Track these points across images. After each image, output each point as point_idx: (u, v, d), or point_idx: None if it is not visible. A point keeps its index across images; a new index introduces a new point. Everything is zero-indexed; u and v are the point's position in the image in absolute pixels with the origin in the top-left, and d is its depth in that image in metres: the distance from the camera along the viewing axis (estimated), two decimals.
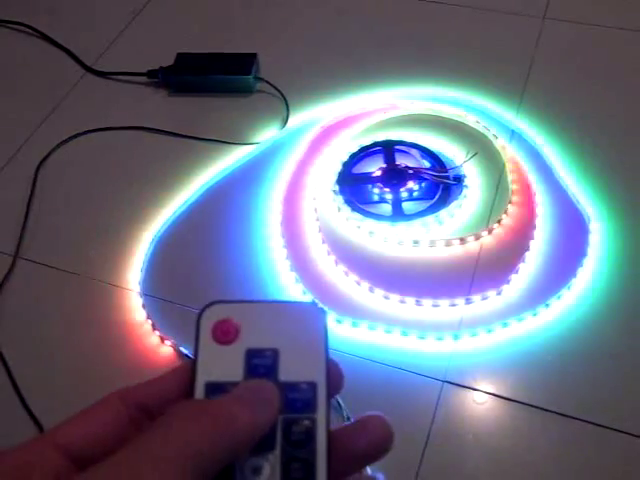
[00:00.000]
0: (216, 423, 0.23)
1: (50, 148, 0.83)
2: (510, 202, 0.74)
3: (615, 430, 0.59)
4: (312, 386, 0.27)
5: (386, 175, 0.77)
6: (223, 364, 0.27)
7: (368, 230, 0.73)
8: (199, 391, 0.26)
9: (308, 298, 0.68)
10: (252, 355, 0.27)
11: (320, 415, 0.26)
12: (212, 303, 0.28)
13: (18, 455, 0.23)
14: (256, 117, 0.85)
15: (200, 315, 0.28)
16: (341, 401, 0.60)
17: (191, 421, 0.23)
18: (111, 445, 0.24)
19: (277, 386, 0.26)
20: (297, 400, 0.26)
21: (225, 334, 0.27)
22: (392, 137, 0.81)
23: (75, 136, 0.84)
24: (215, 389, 0.26)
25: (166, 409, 0.24)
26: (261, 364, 0.27)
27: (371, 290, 0.69)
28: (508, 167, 0.77)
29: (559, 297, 0.67)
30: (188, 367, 0.27)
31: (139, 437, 0.22)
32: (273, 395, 0.26)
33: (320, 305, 0.29)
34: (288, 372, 0.27)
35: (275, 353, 0.27)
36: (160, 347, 0.66)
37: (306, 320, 0.28)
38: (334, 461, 0.26)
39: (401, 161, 0.79)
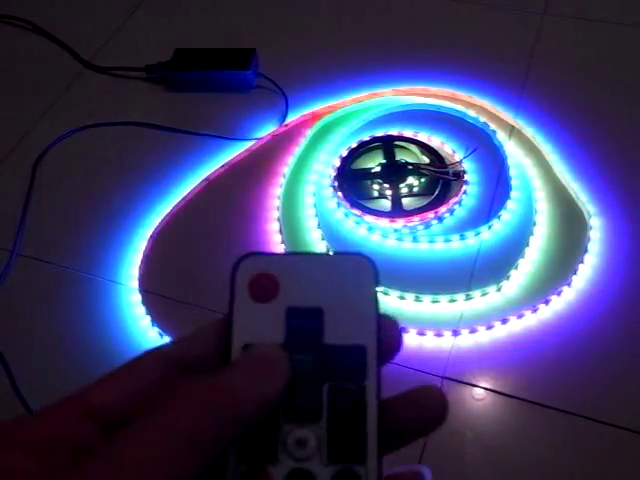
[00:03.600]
0: (214, 400, 0.22)
1: (48, 144, 0.83)
2: (510, 198, 0.74)
3: (615, 426, 0.58)
4: (361, 350, 0.24)
5: (385, 171, 0.77)
6: (262, 324, 0.24)
7: (367, 226, 0.73)
8: (236, 354, 0.24)
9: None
10: (293, 314, 0.24)
11: (371, 382, 0.24)
12: (248, 254, 0.25)
13: (41, 423, 0.22)
14: (255, 113, 0.85)
15: (235, 268, 0.25)
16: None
17: (188, 401, 0.22)
18: (141, 408, 0.22)
19: (322, 349, 0.24)
20: (344, 366, 0.24)
21: (263, 290, 0.25)
22: (392, 133, 0.81)
23: (73, 132, 0.84)
24: None
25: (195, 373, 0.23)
26: (304, 325, 0.24)
27: None
28: (508, 163, 0.77)
29: (559, 293, 0.66)
30: (224, 324, 0.25)
31: (136, 422, 0.21)
32: (280, 361, 0.23)
33: (370, 258, 0.25)
34: (334, 334, 0.24)
35: (319, 312, 0.24)
36: (159, 343, 0.66)
37: (354, 274, 0.25)
38: (385, 432, 0.23)
39: (400, 157, 0.78)
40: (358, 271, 0.25)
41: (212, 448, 0.21)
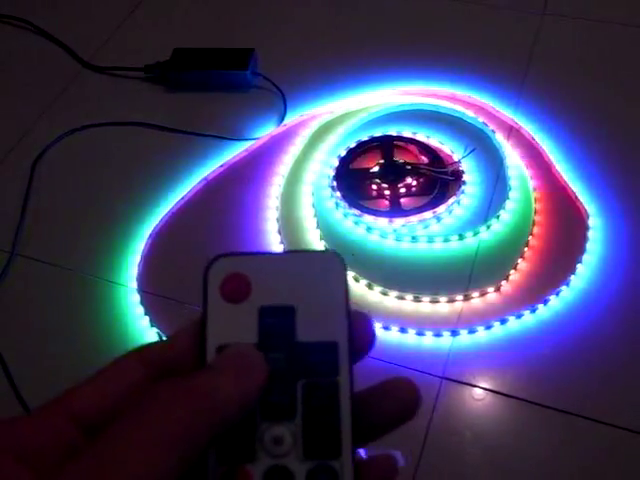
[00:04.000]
0: (196, 401, 0.22)
1: (47, 144, 0.83)
2: (508, 198, 0.74)
3: (613, 426, 0.59)
4: (333, 346, 0.24)
5: (384, 171, 0.77)
6: (235, 324, 0.24)
7: (366, 226, 0.73)
8: (211, 355, 0.24)
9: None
10: (266, 313, 0.25)
11: (343, 378, 0.24)
12: (219, 256, 0.26)
13: (29, 427, 0.22)
14: (254, 112, 0.85)
15: (207, 270, 0.25)
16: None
17: (170, 403, 0.22)
18: (123, 409, 0.23)
19: (295, 347, 0.24)
20: (317, 363, 0.24)
21: (235, 291, 0.25)
22: (390, 132, 0.81)
23: (72, 132, 0.84)
24: None
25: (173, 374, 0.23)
26: (276, 323, 0.24)
27: (369, 286, 0.68)
28: (506, 163, 0.77)
29: (558, 293, 0.66)
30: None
31: (118, 424, 0.22)
32: (257, 360, 0.24)
33: (339, 254, 0.25)
34: (306, 332, 0.24)
35: (291, 310, 0.25)
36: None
37: (324, 272, 0.25)
38: (358, 426, 0.24)
39: (399, 157, 0.78)
40: (328, 268, 0.25)
41: (195, 447, 0.22)
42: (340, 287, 0.25)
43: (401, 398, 0.25)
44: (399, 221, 0.73)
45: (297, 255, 0.27)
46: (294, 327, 0.24)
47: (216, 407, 0.22)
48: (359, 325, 0.25)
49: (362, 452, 0.25)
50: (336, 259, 0.25)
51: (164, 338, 0.66)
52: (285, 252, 0.26)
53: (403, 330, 0.65)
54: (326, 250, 0.23)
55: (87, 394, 0.24)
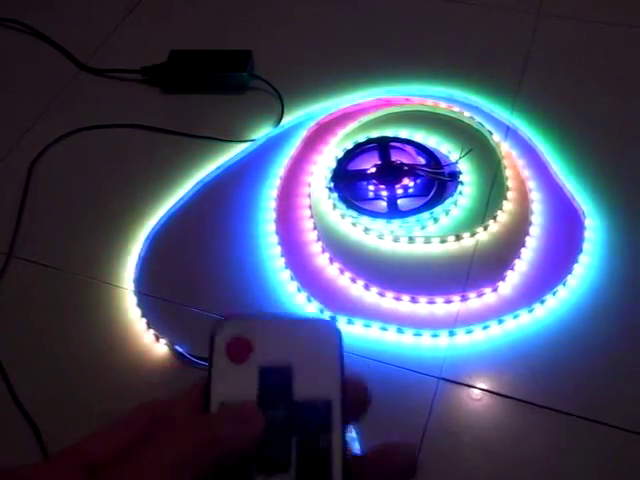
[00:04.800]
0: (198, 435, 0.25)
1: (43, 146, 0.83)
2: (505, 198, 0.74)
3: (611, 426, 0.59)
4: (327, 404, 0.26)
5: (381, 172, 0.77)
6: (237, 383, 0.27)
7: (363, 227, 0.73)
8: (214, 410, 0.26)
9: (317, 310, 0.68)
10: (266, 373, 0.27)
11: (335, 434, 0.26)
12: (224, 319, 0.28)
13: (46, 474, 0.25)
14: (251, 114, 0.85)
15: (213, 333, 0.28)
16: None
17: (173, 436, 0.25)
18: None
19: (291, 405, 0.26)
20: (312, 419, 0.26)
21: (239, 352, 0.27)
22: (387, 134, 0.81)
23: (69, 134, 0.84)
24: None
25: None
26: (275, 382, 0.27)
27: (366, 287, 0.68)
28: (503, 164, 0.77)
29: (554, 293, 0.67)
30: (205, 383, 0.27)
31: (125, 456, 0.24)
32: (255, 413, 0.26)
33: (335, 322, 0.28)
34: (302, 390, 0.26)
35: (289, 371, 0.27)
36: (155, 345, 0.66)
37: (319, 336, 0.27)
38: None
39: (396, 158, 0.78)
40: (324, 333, 0.28)
41: (195, 475, 0.24)
42: (334, 350, 0.27)
43: (398, 464, 0.26)
44: (396, 222, 0.73)
45: (296, 320, 0.29)
46: (291, 386, 0.26)
47: (215, 442, 0.24)
48: (355, 389, 0.27)
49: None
50: (331, 325, 0.28)
51: (161, 339, 0.66)
52: (285, 315, 0.28)
53: (400, 331, 0.65)
54: (323, 317, 0.27)
55: (96, 444, 0.26)
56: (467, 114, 0.82)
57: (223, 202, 0.77)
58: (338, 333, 0.27)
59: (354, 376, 0.27)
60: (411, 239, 0.72)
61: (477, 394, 0.61)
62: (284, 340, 0.27)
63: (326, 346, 0.27)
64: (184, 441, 0.24)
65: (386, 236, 0.72)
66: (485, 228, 0.72)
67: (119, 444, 0.26)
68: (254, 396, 0.26)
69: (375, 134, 0.81)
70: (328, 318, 0.28)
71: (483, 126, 0.80)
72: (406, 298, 0.67)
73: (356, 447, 0.27)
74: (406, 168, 0.77)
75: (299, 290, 0.69)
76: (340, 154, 0.79)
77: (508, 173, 0.76)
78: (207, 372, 0.27)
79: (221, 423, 0.25)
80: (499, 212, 0.73)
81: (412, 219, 0.73)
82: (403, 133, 0.80)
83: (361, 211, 0.74)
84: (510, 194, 0.75)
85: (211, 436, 0.25)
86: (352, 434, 0.28)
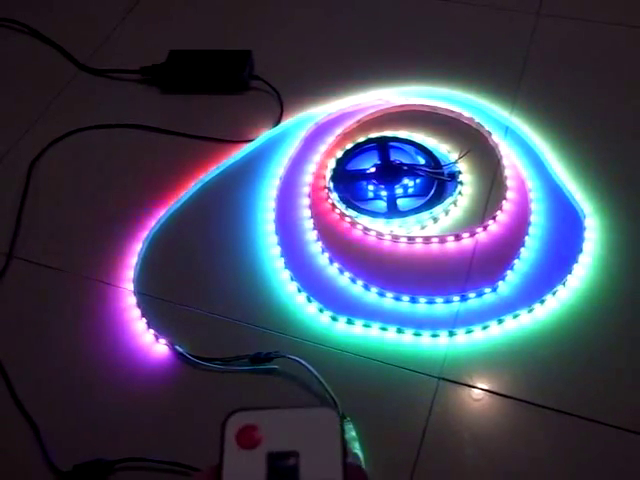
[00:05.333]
0: None
1: (43, 146, 0.83)
2: (505, 198, 0.74)
3: (611, 426, 0.59)
4: None
5: (381, 172, 0.77)
6: (247, 468, 0.29)
7: (363, 227, 0.73)
8: None
9: (314, 310, 0.68)
10: (274, 458, 0.29)
11: None
12: (235, 411, 0.30)
13: None
14: (250, 114, 0.85)
15: (225, 422, 0.29)
16: (337, 399, 0.59)
17: None
18: None
19: None
20: None
21: (249, 439, 0.29)
22: (387, 134, 0.81)
23: (68, 134, 0.84)
24: None
25: None
26: (283, 466, 0.28)
27: (366, 287, 0.68)
28: (503, 163, 0.77)
29: (554, 293, 0.67)
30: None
31: None
32: None
33: (334, 409, 0.31)
34: (308, 472, 0.28)
35: (296, 456, 0.29)
36: (154, 345, 0.66)
37: (322, 423, 0.30)
38: None
39: (396, 158, 0.78)
40: (326, 421, 0.30)
41: None
42: (336, 436, 0.29)
43: None
44: (396, 222, 0.73)
45: (300, 410, 0.31)
46: (298, 470, 0.28)
47: None
48: (353, 472, 0.29)
49: None
50: (332, 413, 0.30)
51: (161, 339, 0.66)
52: (290, 406, 0.30)
53: (400, 331, 0.65)
54: (325, 406, 0.28)
55: None
56: (466, 114, 0.82)
57: (223, 202, 0.77)
58: (338, 420, 0.30)
59: (353, 462, 0.29)
60: (411, 239, 0.72)
61: (477, 394, 0.61)
62: (290, 427, 0.29)
63: (328, 432, 0.29)
64: None
65: (386, 236, 0.72)
66: (485, 228, 0.72)
67: None
68: (263, 479, 0.28)
69: (375, 134, 0.81)
70: (330, 407, 0.30)
71: (482, 126, 0.80)
72: (406, 298, 0.67)
73: (356, 446, 0.28)
74: (405, 168, 0.77)
75: (299, 290, 0.69)
76: (340, 154, 0.79)
77: (507, 173, 0.76)
78: (219, 459, 0.29)
79: None
80: (498, 212, 0.73)
81: (412, 219, 0.73)
82: (402, 133, 0.80)
83: (361, 211, 0.74)
84: (509, 194, 0.75)
85: None
86: (352, 433, 0.29)
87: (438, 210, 0.73)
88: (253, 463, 0.29)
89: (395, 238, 0.72)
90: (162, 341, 0.66)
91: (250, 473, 0.29)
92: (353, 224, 0.73)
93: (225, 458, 0.29)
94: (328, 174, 0.77)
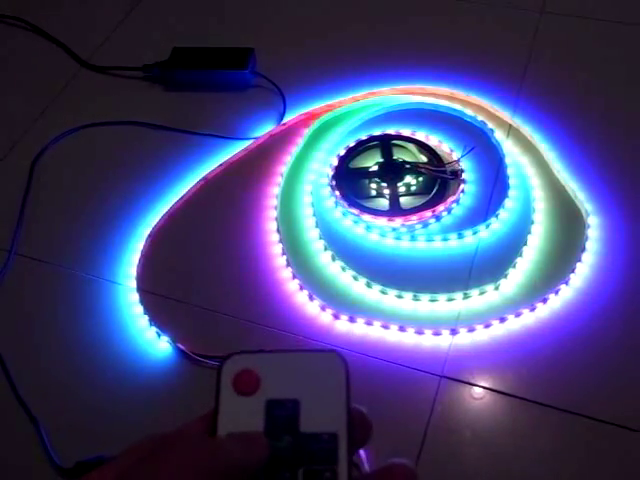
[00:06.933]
0: (213, 452, 0.26)
1: (46, 143, 0.83)
2: (508, 197, 0.74)
3: (613, 424, 0.58)
4: (333, 437, 0.26)
5: (383, 170, 0.77)
6: (244, 415, 0.27)
7: (365, 225, 0.73)
8: None
9: (316, 308, 0.68)
10: (273, 406, 0.27)
11: (341, 467, 0.26)
12: (232, 354, 0.28)
13: None
14: (253, 112, 0.85)
15: (221, 366, 0.28)
16: None
17: (176, 455, 0.26)
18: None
19: (298, 437, 0.26)
20: (318, 451, 0.26)
21: (246, 385, 0.27)
22: (389, 131, 0.81)
23: (70, 131, 0.84)
24: None
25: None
26: (282, 415, 0.27)
27: (368, 285, 0.68)
28: (506, 162, 0.77)
29: (557, 292, 0.66)
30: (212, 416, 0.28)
31: (154, 456, 0.26)
32: (260, 438, 0.26)
33: (341, 354, 0.28)
34: (309, 423, 0.27)
35: (296, 404, 0.27)
36: (157, 343, 0.66)
37: (327, 369, 0.28)
38: None
39: (398, 156, 0.78)
40: (330, 366, 0.28)
41: None
42: (341, 383, 0.28)
43: None
44: (398, 220, 0.73)
45: (303, 354, 0.29)
46: (298, 418, 0.27)
47: (225, 463, 0.25)
48: (358, 420, 0.27)
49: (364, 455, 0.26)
50: (337, 358, 0.28)
51: (163, 337, 0.66)
52: (292, 350, 0.28)
53: (402, 329, 0.65)
54: (330, 351, 0.26)
55: (104, 473, 0.26)
56: (469, 112, 0.81)
57: (225, 199, 0.77)
58: (345, 366, 0.28)
59: (355, 406, 0.28)
60: (413, 237, 0.72)
61: (479, 392, 0.61)
62: (291, 373, 0.28)
63: (333, 379, 0.28)
64: (199, 450, 0.25)
65: (388, 234, 0.72)
66: (487, 226, 0.72)
67: (124, 470, 0.26)
68: (261, 428, 0.27)
69: (377, 132, 0.81)
70: (336, 351, 0.28)
71: (485, 124, 0.80)
72: (408, 296, 0.67)
73: (365, 468, 0.27)
74: (408, 166, 0.77)
75: (301, 288, 0.69)
76: (342, 152, 0.79)
77: (510, 171, 0.76)
78: (214, 405, 0.27)
79: (230, 441, 0.26)
80: (501, 210, 0.73)
81: (414, 217, 0.73)
82: (405, 131, 0.80)
83: (363, 209, 0.74)
84: (512, 192, 0.74)
85: (222, 449, 0.26)
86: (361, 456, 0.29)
87: (441, 208, 0.73)
88: (251, 410, 0.27)
89: (397, 236, 0.72)
90: (164, 338, 0.66)
91: (247, 421, 0.27)
92: (355, 222, 0.73)
93: (221, 405, 0.27)
94: (331, 172, 0.77)
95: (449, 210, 0.74)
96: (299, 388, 0.27)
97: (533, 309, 0.66)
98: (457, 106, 0.82)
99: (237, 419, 0.27)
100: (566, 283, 0.67)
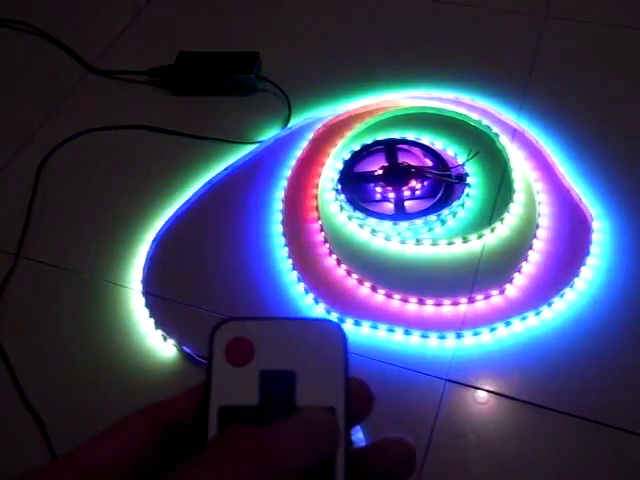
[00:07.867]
0: (268, 456, 0.23)
1: (52, 147, 0.83)
2: (512, 201, 0.74)
3: (618, 429, 0.58)
4: (330, 411, 0.25)
5: (388, 174, 0.77)
6: (237, 387, 0.25)
7: (370, 229, 0.73)
8: (213, 415, 0.25)
9: (324, 311, 0.68)
10: (267, 377, 0.26)
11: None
12: (225, 320, 0.26)
13: None
14: (258, 116, 0.85)
15: (213, 333, 0.26)
16: None
17: (236, 454, 0.23)
18: (130, 465, 0.24)
19: (294, 411, 0.25)
20: None
21: (239, 354, 0.26)
22: (394, 136, 0.81)
23: (76, 135, 0.84)
24: (229, 413, 0.25)
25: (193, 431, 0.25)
26: (277, 387, 0.25)
27: (374, 289, 0.68)
28: (510, 166, 0.77)
29: (562, 296, 0.66)
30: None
31: (187, 468, 0.23)
32: (333, 430, 0.25)
33: (340, 324, 0.28)
34: (305, 396, 0.25)
35: (291, 375, 0.26)
36: (162, 346, 0.66)
37: (324, 339, 0.26)
38: None
39: (403, 160, 0.79)
40: (328, 336, 0.26)
41: None
42: (339, 354, 0.26)
43: (395, 457, 0.26)
44: (403, 224, 0.73)
45: (300, 322, 0.27)
46: (294, 391, 0.25)
47: (282, 469, 0.23)
48: (357, 393, 0.26)
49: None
50: (336, 328, 0.26)
51: (169, 340, 0.66)
52: (288, 317, 0.27)
53: (407, 333, 0.65)
54: (327, 319, 0.24)
55: (91, 453, 0.25)
56: (474, 116, 0.82)
57: (231, 203, 0.77)
58: (343, 336, 0.26)
59: (355, 378, 0.26)
60: (418, 241, 0.72)
61: (484, 396, 0.61)
62: (286, 342, 0.26)
63: (331, 350, 0.26)
64: (248, 462, 0.23)
65: (393, 238, 0.72)
66: (492, 230, 0.72)
67: (115, 457, 0.25)
68: (255, 401, 0.25)
69: (382, 136, 0.81)
70: (334, 320, 0.27)
71: (490, 128, 0.80)
72: (413, 300, 0.67)
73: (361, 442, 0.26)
74: (413, 170, 0.77)
75: (306, 292, 0.69)
76: (347, 156, 0.79)
77: (515, 175, 0.76)
78: (206, 375, 0.26)
79: (292, 443, 0.24)
80: (506, 214, 0.73)
81: (419, 221, 0.73)
82: (410, 135, 0.81)
83: (368, 213, 0.74)
84: (517, 196, 0.74)
85: (281, 456, 0.23)
86: (360, 435, 0.28)
87: (446, 212, 0.73)
88: (244, 381, 0.25)
89: (402, 240, 0.72)
90: (170, 341, 0.66)
91: (241, 393, 0.25)
92: (361, 226, 0.73)
93: (213, 376, 0.26)
94: (336, 176, 0.78)
95: (454, 214, 0.74)
96: (295, 358, 0.26)
97: (538, 313, 0.66)
98: (462, 110, 0.82)
99: (230, 390, 0.25)
100: (571, 287, 0.67)
